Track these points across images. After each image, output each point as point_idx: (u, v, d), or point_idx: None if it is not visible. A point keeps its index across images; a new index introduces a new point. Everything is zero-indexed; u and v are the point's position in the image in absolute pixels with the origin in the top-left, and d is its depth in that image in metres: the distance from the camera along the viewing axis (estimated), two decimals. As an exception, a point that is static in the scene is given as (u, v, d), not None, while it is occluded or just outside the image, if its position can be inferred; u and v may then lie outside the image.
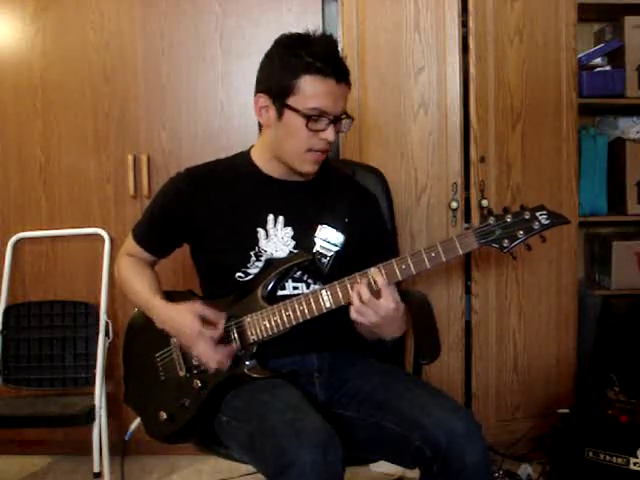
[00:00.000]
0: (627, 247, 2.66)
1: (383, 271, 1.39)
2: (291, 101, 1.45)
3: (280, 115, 1.47)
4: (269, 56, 1.51)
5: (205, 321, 1.48)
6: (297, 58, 1.43)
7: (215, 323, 1.48)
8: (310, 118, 1.44)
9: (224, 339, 1.49)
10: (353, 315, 1.39)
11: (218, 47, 2.45)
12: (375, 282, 1.38)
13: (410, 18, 2.35)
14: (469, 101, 2.35)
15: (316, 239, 1.56)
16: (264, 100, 1.49)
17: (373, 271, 1.39)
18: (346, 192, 1.65)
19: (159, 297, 1.58)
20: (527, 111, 2.40)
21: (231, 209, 1.57)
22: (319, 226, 1.56)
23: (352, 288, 1.40)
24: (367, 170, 1.98)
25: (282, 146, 1.51)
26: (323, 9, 2.44)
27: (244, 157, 1.63)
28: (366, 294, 1.37)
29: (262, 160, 1.59)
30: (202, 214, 1.57)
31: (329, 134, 1.47)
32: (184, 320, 1.49)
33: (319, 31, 1.49)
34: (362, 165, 2.04)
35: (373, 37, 2.36)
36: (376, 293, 1.38)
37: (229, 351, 1.49)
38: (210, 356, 1.48)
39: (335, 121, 1.47)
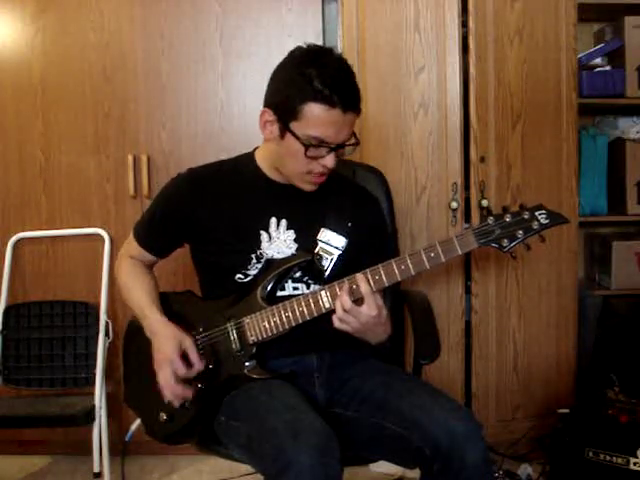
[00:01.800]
0: (627, 247, 2.66)
1: (369, 277, 1.39)
2: (293, 125, 1.43)
3: (282, 135, 1.46)
4: (281, 70, 1.47)
5: (185, 359, 1.49)
6: (306, 81, 1.39)
7: (191, 365, 1.49)
8: (309, 147, 1.43)
9: (189, 381, 1.50)
10: (336, 323, 1.40)
11: (218, 47, 2.45)
12: (358, 289, 1.39)
13: (410, 18, 2.35)
14: (469, 101, 2.36)
15: (318, 242, 1.56)
16: (269, 115, 1.47)
17: (359, 277, 1.40)
18: (348, 195, 1.65)
19: (155, 308, 1.58)
20: (527, 111, 2.40)
21: (234, 211, 1.56)
22: (321, 229, 1.56)
23: (351, 287, 1.40)
24: (367, 170, 1.98)
25: (282, 163, 1.52)
26: (323, 9, 2.44)
27: (248, 159, 1.62)
28: (348, 303, 1.38)
29: (266, 165, 1.59)
30: (204, 215, 1.57)
31: (328, 161, 1.46)
32: (166, 343, 1.50)
33: (333, 50, 1.46)
34: (362, 165, 2.04)
35: (373, 37, 2.36)
36: (359, 300, 1.39)
37: (186, 393, 1.49)
38: (167, 386, 1.49)
39: (337, 148, 1.46)
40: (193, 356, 1.50)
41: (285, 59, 1.48)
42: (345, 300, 1.38)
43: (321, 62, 1.41)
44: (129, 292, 1.65)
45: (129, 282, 1.66)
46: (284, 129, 1.45)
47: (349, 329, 1.41)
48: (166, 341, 1.50)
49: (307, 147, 1.43)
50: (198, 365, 1.50)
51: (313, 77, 1.38)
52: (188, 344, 1.50)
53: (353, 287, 1.40)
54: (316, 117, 1.40)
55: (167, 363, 1.49)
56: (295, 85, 1.41)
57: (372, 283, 1.40)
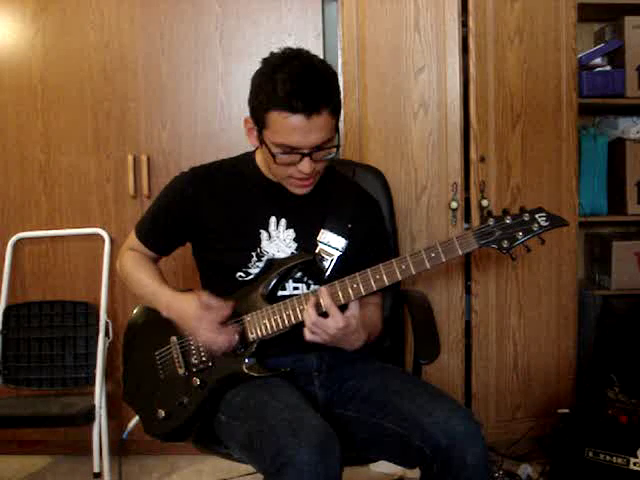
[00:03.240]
0: (627, 247, 2.66)
1: (329, 290, 1.40)
2: (265, 133, 1.44)
3: (260, 142, 1.48)
4: (256, 77, 1.46)
5: (211, 309, 1.48)
6: (271, 88, 1.38)
7: (220, 309, 1.48)
8: (276, 155, 1.43)
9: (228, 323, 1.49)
10: (307, 336, 1.41)
11: (218, 47, 2.45)
12: (321, 303, 1.40)
13: (410, 18, 2.35)
14: (469, 101, 2.36)
15: (318, 243, 1.56)
16: (250, 123, 1.50)
17: (322, 291, 1.41)
18: (349, 196, 1.65)
19: (165, 286, 1.59)
20: (527, 111, 2.40)
21: (234, 210, 1.57)
22: (322, 230, 1.57)
23: (351, 286, 1.42)
24: (367, 170, 1.98)
25: (269, 168, 1.54)
26: (323, 9, 2.45)
27: (249, 159, 1.63)
28: (313, 316, 1.39)
29: (265, 165, 1.59)
30: (205, 214, 1.57)
31: (303, 167, 1.44)
32: (188, 306, 1.49)
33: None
34: (362, 165, 2.04)
35: (373, 37, 2.36)
36: (324, 313, 1.40)
37: (232, 331, 1.48)
38: (212, 340, 1.48)
39: (312, 153, 1.43)
40: (214, 302, 1.48)
41: (259, 68, 1.46)
42: (310, 313, 1.39)
43: (288, 66, 1.39)
44: (136, 278, 1.64)
45: (134, 271, 1.65)
46: (260, 136, 1.46)
47: (319, 340, 1.41)
48: (186, 305, 1.49)
49: (274, 156, 1.43)
50: (224, 306, 1.48)
51: (277, 83, 1.38)
52: (204, 296, 1.48)
53: (319, 301, 1.40)
54: (279, 125, 1.40)
55: (200, 320, 1.47)
56: (263, 92, 1.41)
57: (362, 288, 1.42)
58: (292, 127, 1.39)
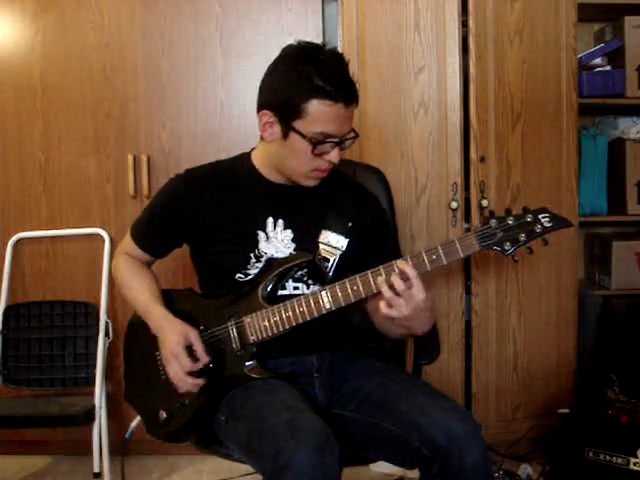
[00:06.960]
0: (627, 247, 2.65)
1: (410, 262, 1.37)
2: (297, 124, 1.42)
3: (285, 135, 1.45)
4: (275, 70, 1.46)
5: (190, 351, 1.50)
6: (305, 79, 1.38)
7: (197, 359, 1.50)
8: (316, 144, 1.42)
9: (199, 373, 1.50)
10: (384, 309, 1.36)
11: (218, 47, 2.45)
12: (404, 273, 1.35)
13: (410, 18, 2.35)
14: (469, 101, 2.36)
15: (319, 244, 1.55)
16: (269, 117, 1.46)
17: (400, 262, 1.37)
18: (348, 194, 1.64)
19: (158, 303, 1.58)
20: (527, 111, 2.40)
21: (231, 211, 1.56)
22: (322, 230, 1.56)
23: (352, 287, 1.40)
24: (367, 170, 1.98)
25: (286, 163, 1.50)
26: (323, 9, 2.45)
27: (245, 159, 1.62)
28: (400, 285, 1.34)
29: (263, 165, 1.58)
30: (201, 216, 1.56)
31: (334, 156, 1.45)
32: (171, 337, 1.50)
33: (328, 46, 1.45)
34: (362, 165, 2.04)
35: (373, 37, 2.36)
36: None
37: (197, 382, 1.50)
38: (178, 379, 1.50)
39: (341, 142, 1.46)
40: (199, 349, 1.49)
41: (277, 59, 1.46)
42: (398, 282, 1.34)
43: (317, 58, 1.41)
44: (129, 289, 1.64)
45: (128, 279, 1.65)
46: (287, 129, 1.44)
47: (398, 314, 1.35)
48: (171, 336, 1.50)
49: (315, 145, 1.42)
50: (203, 359, 1.49)
51: (312, 74, 1.38)
52: (193, 337, 1.50)
53: (397, 270, 1.36)
54: (321, 113, 1.40)
55: (173, 358, 1.49)
56: (294, 84, 1.40)
57: (362, 290, 1.40)
58: (334, 115, 1.40)
